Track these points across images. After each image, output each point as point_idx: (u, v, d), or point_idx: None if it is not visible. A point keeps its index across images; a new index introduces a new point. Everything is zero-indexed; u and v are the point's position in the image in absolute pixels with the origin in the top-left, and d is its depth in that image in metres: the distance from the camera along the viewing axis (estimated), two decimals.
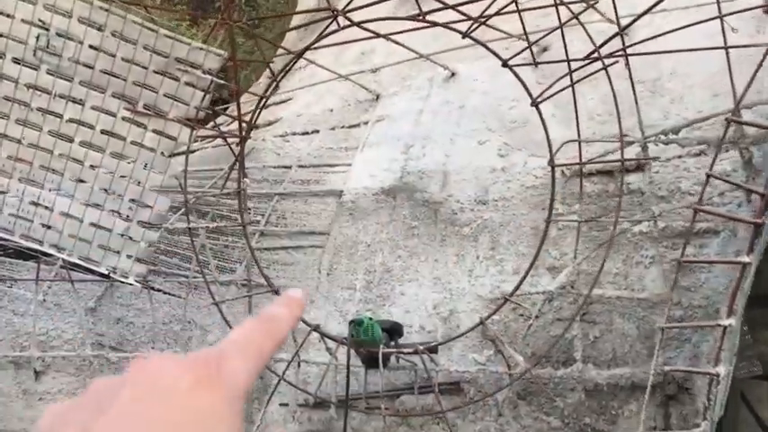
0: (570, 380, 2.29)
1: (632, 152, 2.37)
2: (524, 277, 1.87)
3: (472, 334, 2.42)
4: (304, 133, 3.40)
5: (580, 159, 2.11)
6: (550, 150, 1.75)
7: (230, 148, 2.57)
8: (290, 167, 3.17)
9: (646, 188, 2.41)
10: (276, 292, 2.23)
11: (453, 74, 3.22)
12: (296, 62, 2.64)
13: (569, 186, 2.57)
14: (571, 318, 2.23)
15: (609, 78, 1.96)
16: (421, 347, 2.02)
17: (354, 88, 3.58)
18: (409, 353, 2.17)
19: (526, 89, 1.97)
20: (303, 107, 3.67)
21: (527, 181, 2.63)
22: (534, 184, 2.62)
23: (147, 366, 0.39)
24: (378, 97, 3.39)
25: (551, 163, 1.77)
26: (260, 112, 2.35)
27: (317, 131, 3.36)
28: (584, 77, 2.27)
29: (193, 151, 3.43)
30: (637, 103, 2.17)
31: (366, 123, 3.26)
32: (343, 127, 3.32)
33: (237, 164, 2.38)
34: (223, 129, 3.47)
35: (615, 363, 2.18)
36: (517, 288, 1.93)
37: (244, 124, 2.40)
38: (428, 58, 3.12)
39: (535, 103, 1.78)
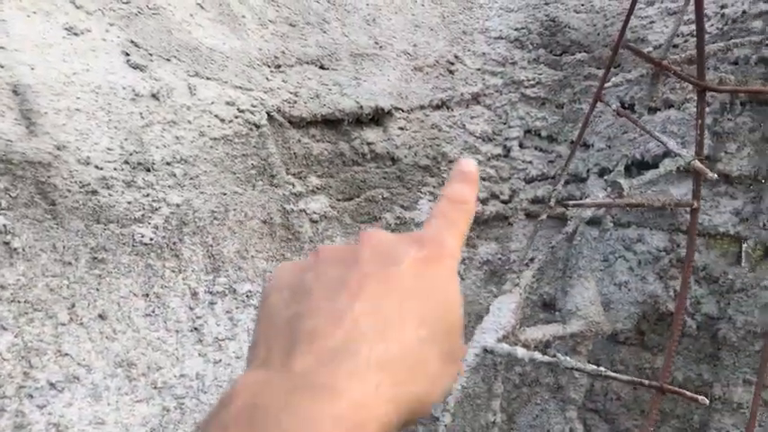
0: None
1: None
2: None
3: None
4: None
5: None
6: None
7: None
8: None
9: (396, 152, 1.57)
10: None
11: None
12: None
13: (286, 143, 1.43)
14: None
15: None
16: None
17: None
18: None
19: None
20: None
21: (209, 127, 1.31)
22: (225, 132, 1.32)
23: (376, 237, 0.41)
24: None
25: None
26: None
27: None
28: None
29: None
30: None
31: None
32: None
33: None
34: None
35: None
36: None
37: None
38: None
39: None
